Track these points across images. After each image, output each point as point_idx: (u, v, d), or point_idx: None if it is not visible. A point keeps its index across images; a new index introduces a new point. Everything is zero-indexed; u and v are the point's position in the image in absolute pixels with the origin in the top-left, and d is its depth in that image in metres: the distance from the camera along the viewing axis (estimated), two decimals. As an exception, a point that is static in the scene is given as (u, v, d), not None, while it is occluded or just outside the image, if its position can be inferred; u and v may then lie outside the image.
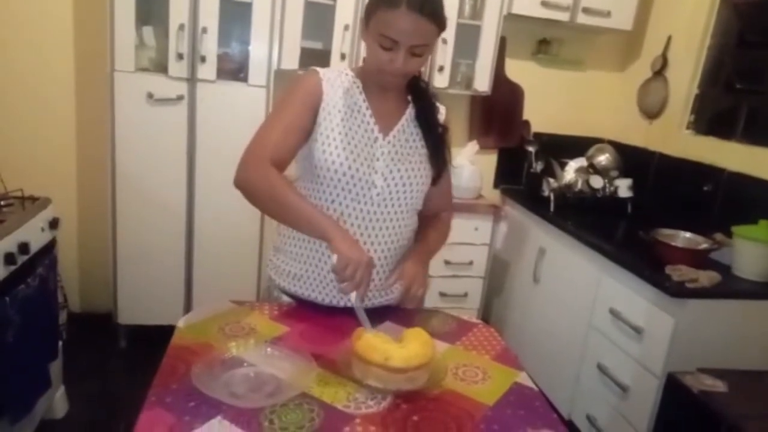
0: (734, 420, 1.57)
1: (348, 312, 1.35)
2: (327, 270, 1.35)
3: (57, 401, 2.19)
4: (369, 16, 1.24)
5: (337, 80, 1.34)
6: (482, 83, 2.93)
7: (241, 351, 1.13)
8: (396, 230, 1.38)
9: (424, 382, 1.09)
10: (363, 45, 1.31)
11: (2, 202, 1.95)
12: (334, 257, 1.14)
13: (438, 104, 1.44)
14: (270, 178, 1.22)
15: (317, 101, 1.31)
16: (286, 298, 1.45)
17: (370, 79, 1.34)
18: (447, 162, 1.43)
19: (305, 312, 1.38)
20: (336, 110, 1.32)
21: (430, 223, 1.49)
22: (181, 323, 1.27)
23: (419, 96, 1.39)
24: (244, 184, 1.25)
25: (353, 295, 1.16)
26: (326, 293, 1.39)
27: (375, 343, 1.10)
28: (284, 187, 1.21)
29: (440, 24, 1.23)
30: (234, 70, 2.59)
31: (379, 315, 1.38)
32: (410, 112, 1.38)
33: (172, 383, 1.04)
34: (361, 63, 1.35)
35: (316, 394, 1.05)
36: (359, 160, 1.31)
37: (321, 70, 1.34)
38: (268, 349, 1.15)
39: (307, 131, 1.31)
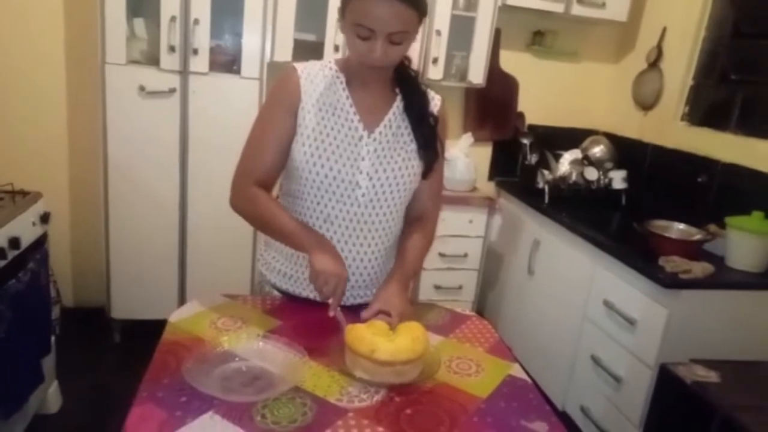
0: (727, 411, 1.57)
1: (341, 307, 1.35)
2: None
3: (50, 396, 2.19)
4: (344, 5, 1.17)
5: (318, 75, 1.28)
6: (477, 75, 2.92)
7: (233, 345, 1.12)
8: (386, 229, 1.35)
9: (413, 377, 1.09)
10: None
11: (-8, 197, 1.93)
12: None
13: (432, 93, 1.37)
14: (254, 201, 1.27)
15: (296, 103, 1.27)
16: (277, 294, 1.44)
17: (354, 71, 1.27)
18: (438, 155, 1.35)
19: (298, 305, 1.38)
20: (316, 109, 1.27)
21: (413, 232, 1.39)
22: (172, 317, 1.26)
23: (408, 86, 1.32)
24: (234, 209, 1.32)
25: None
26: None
27: (363, 334, 1.09)
28: (269, 208, 1.27)
29: (419, 8, 1.15)
30: (226, 62, 2.57)
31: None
32: (398, 104, 1.32)
33: (163, 378, 1.03)
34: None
35: (309, 388, 1.04)
36: (341, 160, 1.26)
37: (300, 67, 1.29)
38: (261, 343, 1.15)
39: (290, 137, 1.28)
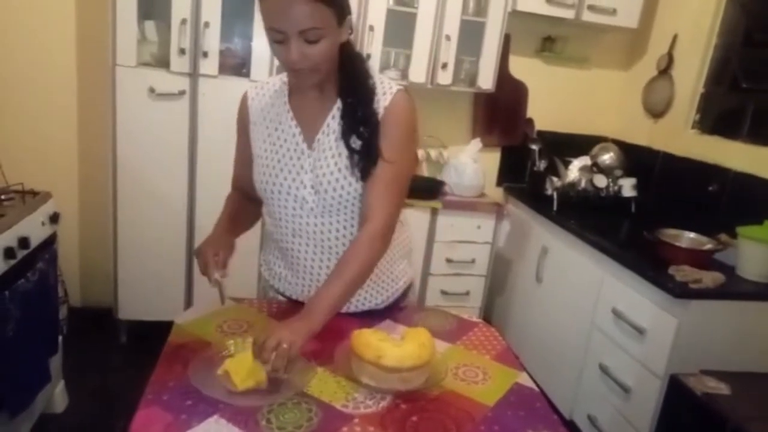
0: (737, 423, 1.56)
1: (347, 311, 1.35)
2: (315, 277, 1.32)
3: (57, 396, 2.19)
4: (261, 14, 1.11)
5: (268, 92, 1.30)
6: (486, 81, 2.91)
7: (239, 349, 1.12)
8: (351, 239, 1.27)
9: (419, 384, 1.08)
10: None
11: (2, 196, 1.94)
12: None
13: (386, 86, 1.22)
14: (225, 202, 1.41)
15: (246, 125, 1.31)
16: (282, 299, 1.43)
17: (291, 81, 1.26)
18: (377, 156, 1.18)
19: (304, 310, 1.37)
20: (263, 126, 1.28)
21: (342, 257, 1.19)
22: (179, 319, 1.27)
23: (349, 86, 1.21)
24: None
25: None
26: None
27: (370, 340, 1.09)
28: (225, 206, 1.40)
29: (330, 2, 1.07)
30: (236, 65, 2.58)
31: (379, 313, 1.37)
32: (338, 106, 1.22)
33: (169, 381, 1.03)
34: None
35: (315, 393, 1.04)
36: (283, 174, 1.24)
37: (251, 87, 1.33)
38: (267, 347, 1.14)
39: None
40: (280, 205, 1.27)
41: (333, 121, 1.23)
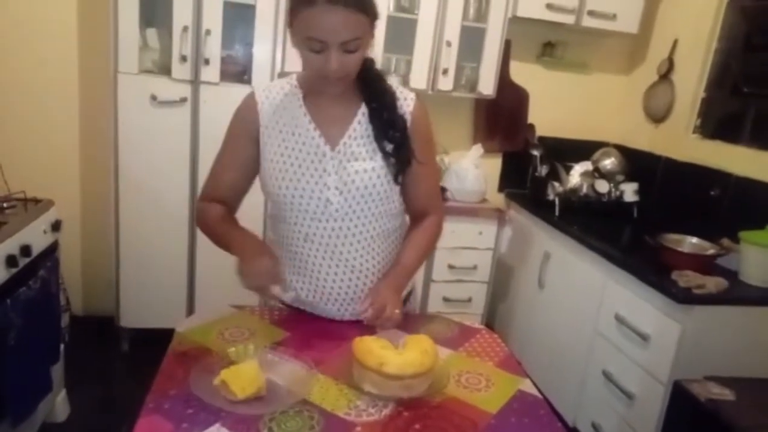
0: (742, 429, 1.54)
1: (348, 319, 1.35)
2: (322, 283, 1.32)
3: (58, 404, 2.19)
4: (291, 20, 1.12)
5: (278, 95, 1.27)
6: (487, 86, 2.92)
7: (240, 356, 1.11)
8: (369, 241, 1.29)
9: (422, 391, 1.07)
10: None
11: (4, 204, 1.94)
12: None
13: (406, 93, 1.30)
14: (204, 217, 1.33)
15: (254, 127, 1.27)
16: (283, 306, 1.42)
17: (313, 85, 1.24)
18: (411, 157, 1.27)
19: (305, 317, 1.37)
20: (276, 130, 1.26)
21: (412, 231, 1.38)
22: (180, 327, 1.26)
23: (371, 90, 1.25)
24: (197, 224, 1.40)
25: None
26: (322, 307, 1.34)
27: (372, 347, 1.08)
28: (214, 222, 1.31)
29: (368, 12, 1.10)
30: (237, 72, 2.59)
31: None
32: (363, 111, 1.26)
33: (170, 389, 1.02)
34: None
35: (317, 401, 1.03)
36: (305, 178, 1.23)
37: (259, 89, 1.29)
38: (268, 355, 1.14)
39: (252, 162, 1.30)
40: (300, 209, 1.26)
41: (359, 126, 1.26)
